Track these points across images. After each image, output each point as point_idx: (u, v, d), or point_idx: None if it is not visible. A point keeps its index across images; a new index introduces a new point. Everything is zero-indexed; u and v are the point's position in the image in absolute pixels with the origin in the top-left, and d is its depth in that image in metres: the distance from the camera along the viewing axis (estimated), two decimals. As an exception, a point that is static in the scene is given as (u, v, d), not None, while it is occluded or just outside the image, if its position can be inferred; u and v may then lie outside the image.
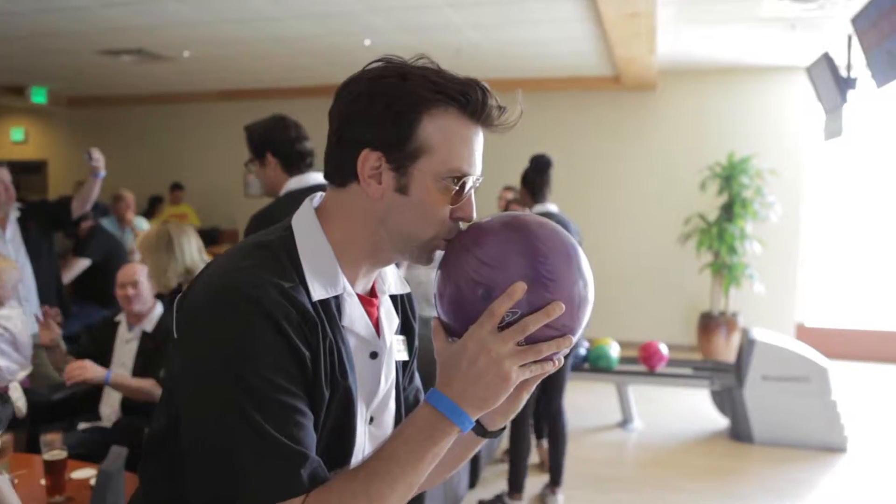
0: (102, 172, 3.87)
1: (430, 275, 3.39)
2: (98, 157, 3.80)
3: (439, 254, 1.01)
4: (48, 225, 3.96)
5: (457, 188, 0.96)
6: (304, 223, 1.00)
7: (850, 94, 5.17)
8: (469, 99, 0.94)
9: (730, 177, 6.63)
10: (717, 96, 7.19)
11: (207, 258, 3.07)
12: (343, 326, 0.97)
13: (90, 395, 3.13)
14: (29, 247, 3.80)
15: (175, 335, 0.96)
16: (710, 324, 6.73)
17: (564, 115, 7.60)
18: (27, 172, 9.55)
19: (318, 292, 0.94)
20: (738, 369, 4.69)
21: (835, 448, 4.44)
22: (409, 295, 1.16)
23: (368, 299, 1.04)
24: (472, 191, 0.99)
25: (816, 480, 4.07)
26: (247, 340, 0.86)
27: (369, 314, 1.02)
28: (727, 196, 6.68)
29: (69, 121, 9.66)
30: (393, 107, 0.93)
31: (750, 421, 4.55)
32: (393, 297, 1.12)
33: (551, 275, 0.92)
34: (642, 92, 7.34)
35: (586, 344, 4.83)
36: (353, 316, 0.99)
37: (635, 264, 7.46)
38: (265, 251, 0.95)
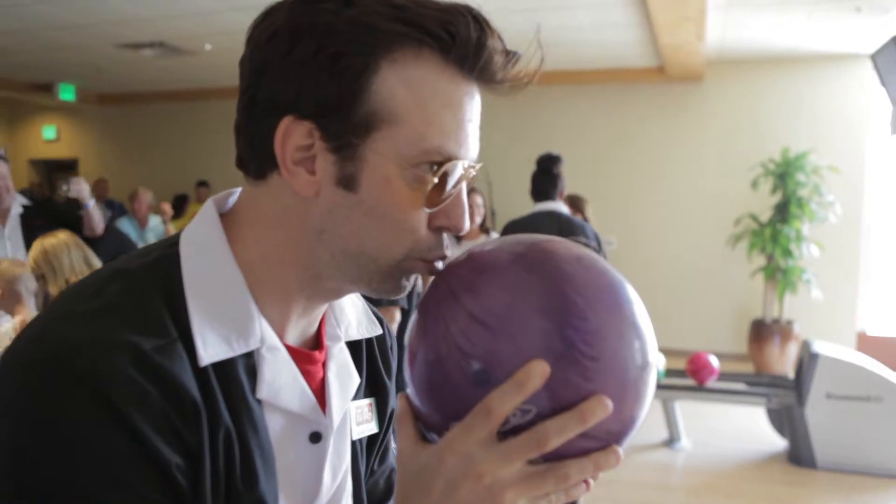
0: (90, 201, 3.59)
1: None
2: (79, 189, 3.51)
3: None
4: (56, 225, 3.73)
5: (435, 180, 0.59)
6: (199, 236, 0.64)
7: (923, 82, 4.69)
8: (455, 36, 0.57)
9: (784, 174, 6.15)
10: (770, 87, 6.67)
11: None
12: (259, 401, 0.61)
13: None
14: (30, 245, 3.57)
15: None
16: (762, 332, 6.24)
17: (604, 109, 7.16)
18: (59, 170, 9.56)
19: (211, 350, 0.58)
20: (799, 385, 4.25)
21: (908, 476, 3.98)
22: (381, 337, 0.79)
23: (307, 353, 0.67)
24: (465, 184, 0.62)
25: (888, 513, 3.66)
26: (64, 447, 0.50)
27: (309, 376, 0.66)
28: (781, 195, 6.19)
29: (100, 118, 9.55)
30: (329, 48, 0.57)
31: (812, 443, 4.11)
32: (354, 344, 0.75)
33: (591, 348, 0.54)
34: (688, 83, 6.85)
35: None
36: (278, 383, 0.62)
37: (681, 268, 6.99)
38: (122, 284, 0.59)
